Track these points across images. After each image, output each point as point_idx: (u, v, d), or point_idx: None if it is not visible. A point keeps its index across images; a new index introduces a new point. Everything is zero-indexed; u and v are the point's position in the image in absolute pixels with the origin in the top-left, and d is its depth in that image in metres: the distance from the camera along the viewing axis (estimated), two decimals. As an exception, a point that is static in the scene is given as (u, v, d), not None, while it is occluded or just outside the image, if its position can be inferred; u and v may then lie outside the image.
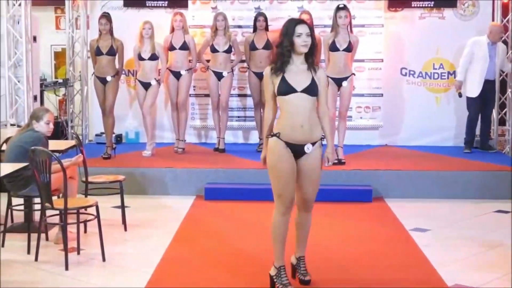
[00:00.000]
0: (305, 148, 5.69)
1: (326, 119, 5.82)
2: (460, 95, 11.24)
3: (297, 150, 5.69)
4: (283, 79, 5.64)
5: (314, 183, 5.83)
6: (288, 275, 5.92)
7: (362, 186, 9.58)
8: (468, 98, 11.25)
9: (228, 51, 11.06)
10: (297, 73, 5.67)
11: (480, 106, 11.24)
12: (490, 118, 11.64)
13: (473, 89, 11.13)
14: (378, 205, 9.26)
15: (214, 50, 11.03)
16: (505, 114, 11.91)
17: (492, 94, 11.41)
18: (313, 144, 5.71)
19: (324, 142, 5.84)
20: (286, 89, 5.63)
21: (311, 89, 5.64)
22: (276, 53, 5.78)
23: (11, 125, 9.55)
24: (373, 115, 12.05)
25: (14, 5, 10.16)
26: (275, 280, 5.89)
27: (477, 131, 11.53)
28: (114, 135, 11.28)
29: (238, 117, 12.22)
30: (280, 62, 5.68)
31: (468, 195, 9.56)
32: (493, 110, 11.69)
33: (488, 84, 11.14)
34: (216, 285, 6.11)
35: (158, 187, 9.84)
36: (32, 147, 6.62)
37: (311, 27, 5.71)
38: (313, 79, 5.65)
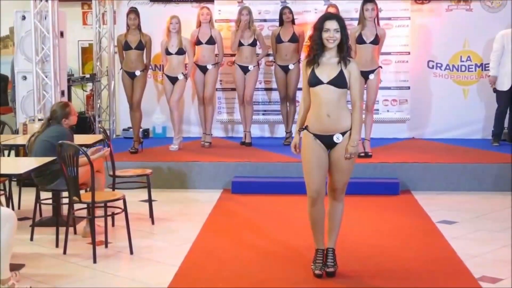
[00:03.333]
0: (334, 138, 5.81)
1: (355, 111, 5.88)
2: (494, 90, 11.18)
3: (327, 141, 5.82)
4: (313, 71, 5.82)
5: (342, 172, 5.91)
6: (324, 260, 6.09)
7: (389, 179, 9.56)
8: (498, 91, 11.18)
9: (253, 44, 11.06)
10: (327, 65, 5.83)
11: (510, 99, 11.16)
12: (519, 111, 11.58)
13: (504, 83, 11.06)
14: (405, 197, 9.24)
15: (239, 44, 11.03)
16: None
17: (522, 87, 11.35)
18: (343, 134, 5.81)
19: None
20: (314, 80, 5.81)
21: (338, 81, 5.77)
22: (309, 46, 5.94)
23: (39, 119, 9.59)
24: (400, 108, 12.00)
25: (41, 0, 10.21)
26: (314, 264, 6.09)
27: (505, 123, 11.46)
28: (141, 130, 11.33)
29: (265, 111, 12.23)
30: (313, 54, 5.86)
31: (496, 188, 9.52)
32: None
33: (518, 77, 11.08)
34: (243, 278, 6.11)
35: (185, 181, 9.87)
36: (60, 141, 6.68)
37: (342, 24, 5.80)
38: (341, 72, 5.78)
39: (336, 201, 6.04)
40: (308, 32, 10.85)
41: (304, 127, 5.91)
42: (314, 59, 5.84)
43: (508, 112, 11.34)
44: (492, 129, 11.41)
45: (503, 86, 11.07)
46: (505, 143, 11.31)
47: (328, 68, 5.80)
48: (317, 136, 5.81)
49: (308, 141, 5.85)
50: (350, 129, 5.82)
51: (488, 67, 11.54)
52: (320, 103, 5.77)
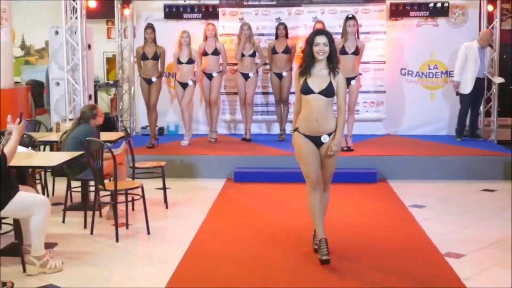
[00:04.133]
0: (322, 138, 5.75)
1: (340, 115, 5.83)
2: (457, 93, 11.15)
3: (315, 141, 5.76)
4: (305, 81, 5.74)
5: (328, 167, 5.85)
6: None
7: (368, 169, 9.50)
8: (461, 94, 11.12)
9: (253, 55, 10.99)
10: (318, 76, 5.74)
11: (471, 101, 11.13)
12: (479, 111, 11.57)
13: (466, 87, 11.01)
14: (381, 185, 9.19)
15: (241, 55, 10.99)
16: (490, 107, 11.82)
17: (481, 91, 11.31)
18: (329, 134, 5.75)
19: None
20: (306, 89, 5.73)
21: (327, 92, 5.70)
22: (302, 58, 5.86)
23: (70, 119, 9.58)
24: (377, 109, 11.95)
25: (71, 18, 10.21)
26: (318, 252, 5.85)
27: (467, 122, 11.42)
28: (157, 128, 11.27)
29: (262, 111, 12.15)
30: (305, 66, 5.77)
31: (460, 177, 9.48)
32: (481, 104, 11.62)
33: (478, 82, 11.04)
34: (247, 255, 6.08)
35: (194, 172, 9.82)
36: (87, 138, 6.68)
37: (330, 38, 5.73)
38: (330, 83, 5.70)
39: (324, 190, 5.95)
40: (300, 44, 10.82)
41: (296, 128, 5.85)
42: (305, 69, 5.74)
43: (469, 112, 11.31)
44: (456, 126, 11.38)
45: (465, 90, 11.02)
46: (466, 139, 11.26)
47: (319, 79, 5.71)
48: (306, 136, 5.75)
49: (300, 140, 5.77)
50: (335, 130, 5.76)
51: (452, 74, 11.48)
52: (310, 109, 5.70)
